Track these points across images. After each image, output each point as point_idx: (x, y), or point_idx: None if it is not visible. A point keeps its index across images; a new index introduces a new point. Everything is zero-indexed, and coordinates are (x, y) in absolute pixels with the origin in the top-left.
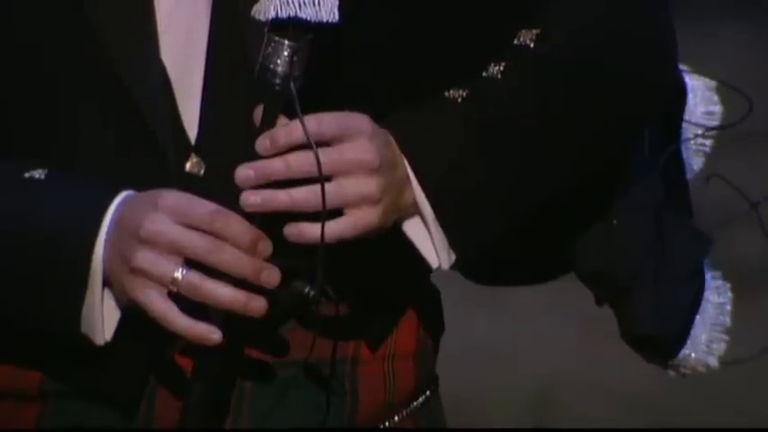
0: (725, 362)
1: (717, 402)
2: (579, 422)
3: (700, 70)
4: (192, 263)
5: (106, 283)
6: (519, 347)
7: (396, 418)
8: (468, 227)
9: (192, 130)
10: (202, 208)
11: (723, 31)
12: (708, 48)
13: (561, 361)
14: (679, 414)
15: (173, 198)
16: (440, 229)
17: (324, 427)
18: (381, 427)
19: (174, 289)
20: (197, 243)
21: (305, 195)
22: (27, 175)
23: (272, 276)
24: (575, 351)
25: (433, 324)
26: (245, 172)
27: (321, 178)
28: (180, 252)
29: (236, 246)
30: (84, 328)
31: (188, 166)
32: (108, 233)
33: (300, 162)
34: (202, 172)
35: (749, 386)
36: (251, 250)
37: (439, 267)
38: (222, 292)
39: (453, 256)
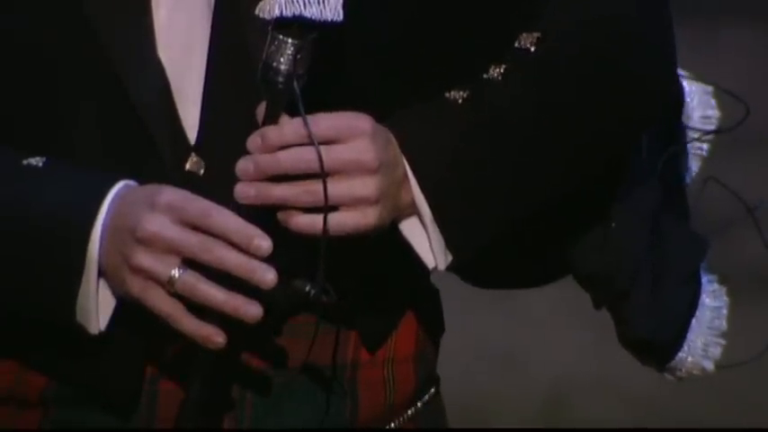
0: (720, 365)
1: (730, 405)
2: (590, 425)
3: (697, 74)
4: (193, 263)
5: (102, 273)
6: (527, 349)
7: (397, 421)
8: (465, 228)
9: (191, 130)
10: (198, 205)
11: (722, 33)
12: (706, 50)
13: (570, 362)
14: (692, 416)
15: (169, 196)
16: (437, 229)
17: (324, 429)
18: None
19: (172, 289)
20: (191, 242)
21: (299, 191)
22: (24, 162)
23: (266, 275)
24: (584, 352)
25: (433, 325)
26: (245, 164)
27: (323, 174)
28: (176, 251)
29: (231, 242)
30: (78, 317)
31: (188, 165)
32: (104, 223)
33: (300, 159)
34: (202, 171)
35: (763, 388)
36: (246, 247)
37: (435, 268)
38: (216, 295)
39: (450, 257)
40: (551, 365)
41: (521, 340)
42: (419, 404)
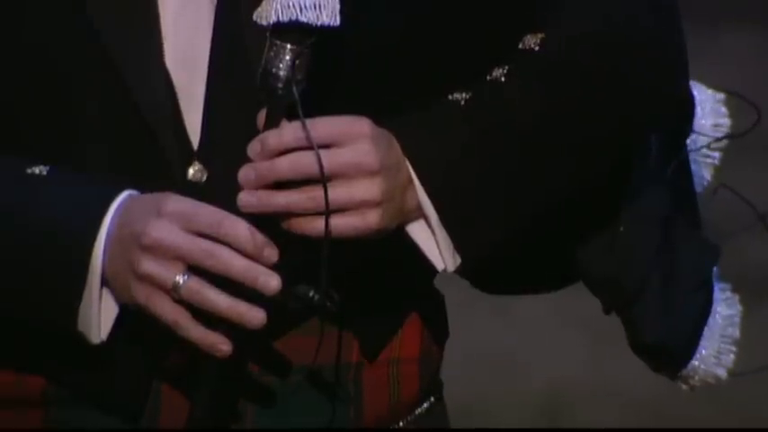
0: (734, 373)
1: (727, 408)
2: (588, 428)
3: (706, 81)
4: (197, 271)
5: (106, 282)
6: (527, 354)
7: (400, 423)
8: (472, 229)
9: (194, 137)
10: (208, 214)
11: (726, 38)
12: (711, 55)
13: (569, 367)
14: (689, 420)
15: (176, 204)
16: (444, 231)
17: (327, 428)
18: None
19: (176, 295)
20: (197, 248)
21: (301, 198)
22: (29, 170)
23: (270, 281)
24: (583, 357)
25: (438, 330)
26: (246, 172)
27: (323, 179)
28: (182, 258)
29: (241, 252)
30: (80, 326)
31: (190, 172)
32: (109, 233)
33: (300, 164)
34: (204, 179)
35: (761, 394)
36: (256, 256)
37: (444, 270)
38: (221, 301)
39: (458, 259)
40: (550, 369)
41: (520, 343)
42: (423, 407)
